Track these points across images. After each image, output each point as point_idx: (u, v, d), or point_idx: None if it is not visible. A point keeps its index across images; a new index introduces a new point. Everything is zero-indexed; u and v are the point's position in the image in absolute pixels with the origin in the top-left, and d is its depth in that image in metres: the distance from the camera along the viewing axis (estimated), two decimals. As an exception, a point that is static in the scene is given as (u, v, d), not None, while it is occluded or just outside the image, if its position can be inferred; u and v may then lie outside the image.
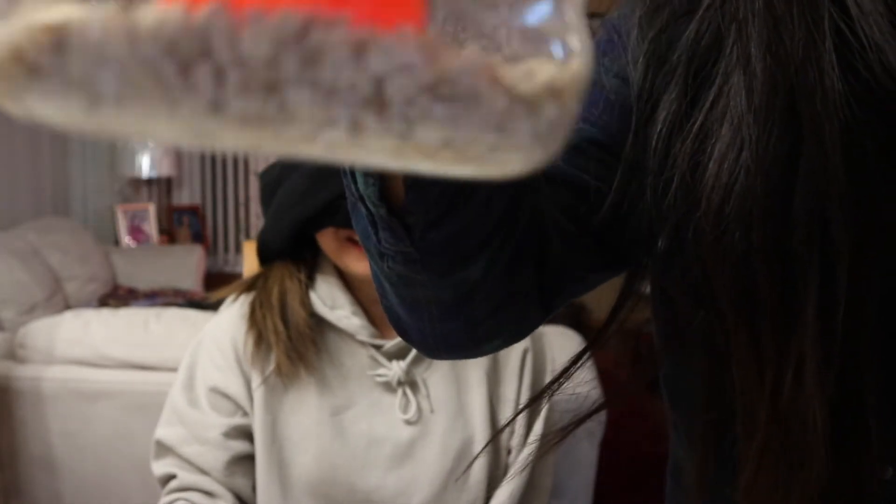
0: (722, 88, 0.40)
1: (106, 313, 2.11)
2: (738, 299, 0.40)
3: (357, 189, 0.39)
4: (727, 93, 0.40)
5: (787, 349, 0.40)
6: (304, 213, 0.96)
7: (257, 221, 5.14)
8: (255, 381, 1.02)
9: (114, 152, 4.94)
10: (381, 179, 0.38)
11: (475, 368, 1.05)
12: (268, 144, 0.19)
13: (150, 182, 5.07)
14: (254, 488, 1.05)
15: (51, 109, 0.18)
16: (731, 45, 0.40)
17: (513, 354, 1.08)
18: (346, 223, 0.95)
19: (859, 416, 0.43)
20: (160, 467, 1.04)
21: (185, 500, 1.00)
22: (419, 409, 1.03)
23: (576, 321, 2.95)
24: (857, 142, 0.37)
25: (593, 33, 0.55)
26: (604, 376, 1.15)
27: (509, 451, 1.08)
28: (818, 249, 0.38)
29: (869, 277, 0.39)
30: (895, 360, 0.44)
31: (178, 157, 5.10)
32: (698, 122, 0.41)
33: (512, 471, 1.06)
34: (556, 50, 0.20)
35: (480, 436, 1.04)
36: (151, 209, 4.94)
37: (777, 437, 0.42)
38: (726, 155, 0.39)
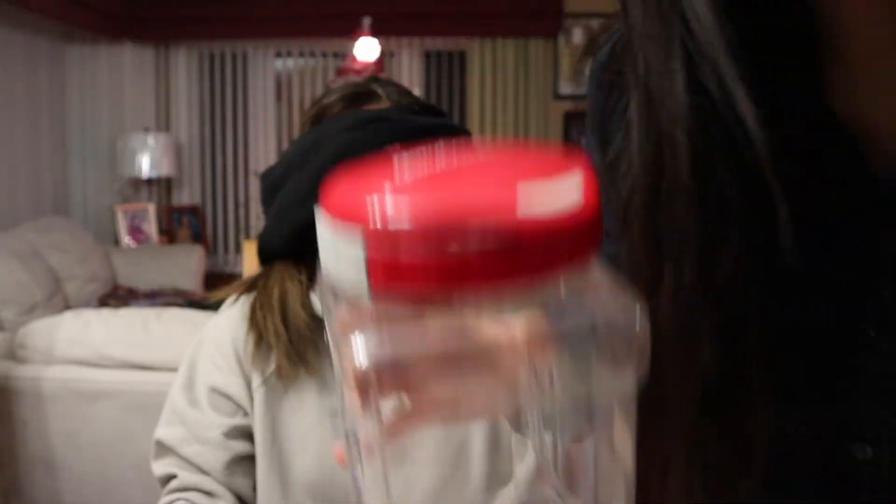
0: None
1: (106, 313, 2.11)
2: None
3: None
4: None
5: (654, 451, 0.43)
6: (306, 216, 0.96)
7: (257, 221, 5.14)
8: (256, 381, 1.02)
9: (114, 152, 4.94)
10: None
11: (475, 368, 1.05)
12: None
13: (150, 182, 5.07)
14: (254, 488, 1.05)
15: None
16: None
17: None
18: None
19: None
20: (160, 467, 1.04)
21: (186, 499, 1.00)
22: (419, 410, 1.03)
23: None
24: (706, 155, 0.41)
25: (593, 31, 0.56)
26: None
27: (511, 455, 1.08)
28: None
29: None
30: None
31: (178, 157, 5.10)
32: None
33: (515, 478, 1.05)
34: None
35: (478, 438, 1.03)
36: (151, 209, 4.94)
37: None
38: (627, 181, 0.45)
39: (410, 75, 5.15)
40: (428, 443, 1.03)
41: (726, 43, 0.40)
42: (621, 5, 0.45)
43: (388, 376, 0.28)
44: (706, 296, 0.43)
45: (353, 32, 4.24)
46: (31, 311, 3.31)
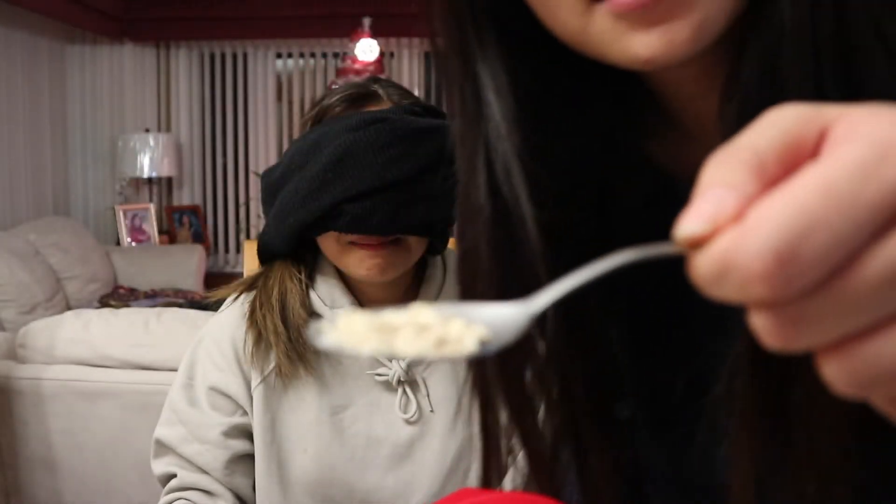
0: None
1: (106, 313, 2.11)
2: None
3: None
4: None
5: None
6: (306, 217, 0.96)
7: (257, 221, 5.14)
8: (255, 380, 1.02)
9: (114, 152, 4.94)
10: None
11: (475, 368, 1.05)
12: None
13: (150, 182, 5.07)
14: (253, 487, 1.05)
15: None
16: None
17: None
18: (346, 228, 0.95)
19: None
20: (160, 466, 1.05)
21: (185, 499, 1.01)
22: (419, 409, 1.03)
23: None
24: (501, 243, 0.48)
25: None
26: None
27: (510, 451, 1.08)
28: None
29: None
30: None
31: (179, 157, 5.10)
32: None
33: (511, 472, 1.06)
34: None
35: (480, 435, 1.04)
36: (151, 209, 4.95)
37: None
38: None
39: (410, 76, 5.15)
40: (432, 443, 1.04)
41: (516, 150, 0.46)
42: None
43: None
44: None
45: (353, 33, 4.24)
46: (32, 310, 3.32)
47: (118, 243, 4.81)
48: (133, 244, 4.81)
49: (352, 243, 0.98)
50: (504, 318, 0.29)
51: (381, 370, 1.03)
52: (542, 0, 0.43)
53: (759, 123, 0.25)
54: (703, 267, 0.24)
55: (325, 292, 1.04)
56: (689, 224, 0.24)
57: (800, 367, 0.41)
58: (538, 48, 0.47)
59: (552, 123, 0.49)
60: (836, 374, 0.24)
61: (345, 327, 0.29)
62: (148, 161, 4.81)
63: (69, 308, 3.58)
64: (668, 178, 0.53)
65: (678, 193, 0.51)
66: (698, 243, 0.24)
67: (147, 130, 4.97)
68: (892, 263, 0.22)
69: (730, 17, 0.41)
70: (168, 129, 5.15)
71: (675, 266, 0.45)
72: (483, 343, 0.29)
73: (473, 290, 0.51)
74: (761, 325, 0.24)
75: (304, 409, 1.02)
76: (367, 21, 4.18)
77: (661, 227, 0.52)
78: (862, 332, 0.23)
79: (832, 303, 0.23)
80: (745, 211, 0.23)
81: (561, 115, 0.49)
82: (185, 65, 5.16)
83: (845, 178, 0.22)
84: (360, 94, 1.03)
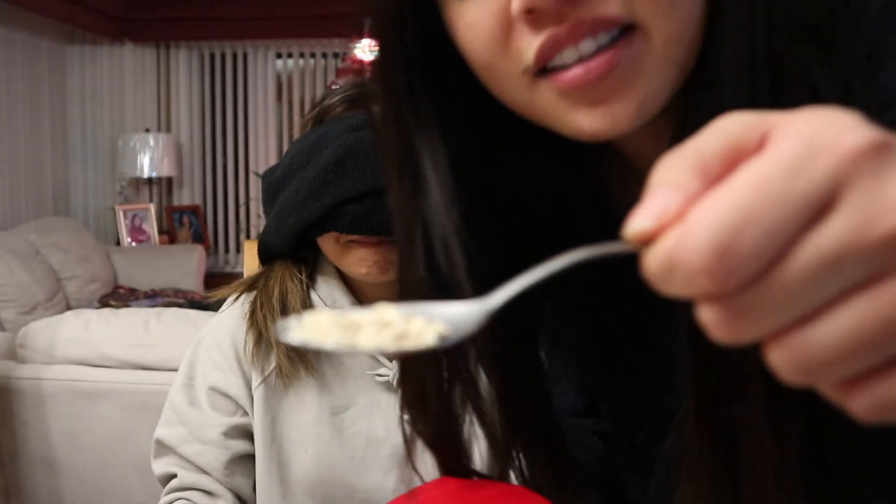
0: None
1: (106, 313, 2.11)
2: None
3: None
4: None
5: None
6: (307, 218, 0.96)
7: (257, 221, 5.14)
8: (256, 380, 1.02)
9: (115, 152, 4.94)
10: None
11: (475, 368, 1.06)
12: None
13: (150, 182, 5.07)
14: (254, 487, 1.05)
15: None
16: None
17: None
18: (347, 229, 0.95)
19: None
20: (160, 466, 1.05)
21: (186, 499, 1.01)
22: (419, 409, 1.04)
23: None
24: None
25: None
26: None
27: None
28: None
29: None
30: None
31: (179, 157, 5.10)
32: None
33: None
34: None
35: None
36: (151, 209, 4.95)
37: None
38: None
39: (411, 76, 5.14)
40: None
41: (455, 228, 0.48)
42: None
43: None
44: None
45: (353, 33, 4.24)
46: (32, 310, 3.32)
47: (118, 243, 4.81)
48: (133, 244, 4.81)
49: (352, 242, 0.98)
50: (462, 314, 0.31)
51: (381, 371, 1.03)
52: (489, 73, 0.44)
53: (706, 130, 0.26)
54: (652, 264, 0.25)
55: (326, 292, 1.04)
56: (636, 221, 0.26)
57: (746, 421, 0.42)
58: (480, 114, 0.48)
59: (494, 194, 0.50)
60: (781, 361, 0.25)
61: (310, 324, 0.30)
62: (148, 161, 4.81)
63: (69, 308, 3.58)
64: (622, 218, 0.55)
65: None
66: (647, 240, 0.26)
67: (147, 130, 4.97)
68: (822, 253, 0.23)
69: (673, 89, 0.42)
70: (168, 129, 5.15)
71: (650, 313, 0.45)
72: (442, 337, 0.30)
73: (412, 363, 0.53)
74: (709, 319, 0.25)
75: (305, 409, 1.02)
76: (367, 21, 4.17)
77: (619, 265, 0.54)
78: (801, 320, 0.24)
79: (771, 293, 0.24)
80: (689, 209, 0.25)
81: (506, 180, 0.51)
82: (185, 65, 5.16)
83: (777, 173, 0.23)
84: (361, 95, 1.03)
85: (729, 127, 0.26)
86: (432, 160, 0.48)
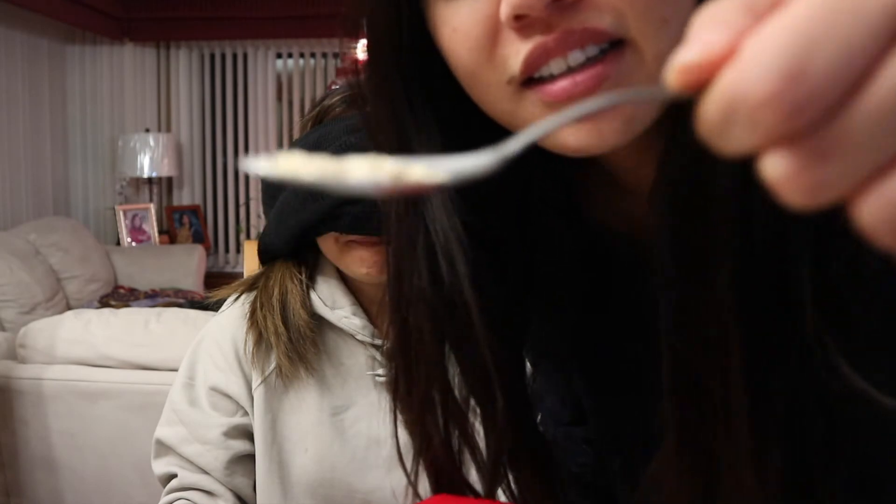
0: None
1: (106, 313, 2.11)
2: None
3: None
4: None
5: None
6: (307, 218, 0.96)
7: (257, 221, 5.14)
8: (256, 380, 1.02)
9: (115, 152, 4.94)
10: None
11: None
12: None
13: (150, 182, 5.07)
14: (254, 488, 1.05)
15: None
16: None
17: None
18: (347, 229, 0.95)
19: None
20: (160, 466, 1.05)
21: (186, 499, 1.01)
22: (419, 409, 1.04)
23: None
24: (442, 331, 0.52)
25: None
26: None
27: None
28: None
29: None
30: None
31: (179, 157, 5.10)
32: None
33: None
34: None
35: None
36: (151, 209, 4.95)
37: None
38: None
39: (411, 76, 5.15)
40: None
41: (458, 236, 0.48)
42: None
43: None
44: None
45: (346, 33, 4.24)
46: (32, 310, 3.32)
47: (118, 243, 4.81)
48: (133, 244, 4.81)
49: (351, 242, 0.98)
50: (471, 163, 0.27)
51: (380, 371, 1.03)
52: (473, 80, 0.43)
53: None
54: (709, 111, 0.21)
55: (326, 293, 1.04)
56: (683, 55, 0.22)
57: (728, 457, 0.42)
58: (474, 122, 0.47)
59: (490, 198, 0.49)
60: (878, 219, 0.20)
61: (285, 161, 0.26)
62: (148, 161, 4.81)
63: (69, 308, 3.58)
64: (603, 232, 0.54)
65: (617, 247, 0.53)
66: (695, 84, 0.22)
67: (147, 130, 4.97)
68: None
69: (662, 106, 0.40)
70: (168, 129, 5.15)
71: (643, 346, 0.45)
72: (447, 181, 0.26)
73: (417, 369, 0.52)
74: (778, 172, 0.21)
75: (305, 409, 1.02)
76: (361, 22, 4.17)
77: (602, 283, 0.55)
78: None
79: (856, 125, 0.19)
80: (743, 42, 0.21)
81: (498, 187, 0.50)
82: (185, 65, 5.16)
83: None
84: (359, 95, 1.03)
85: None
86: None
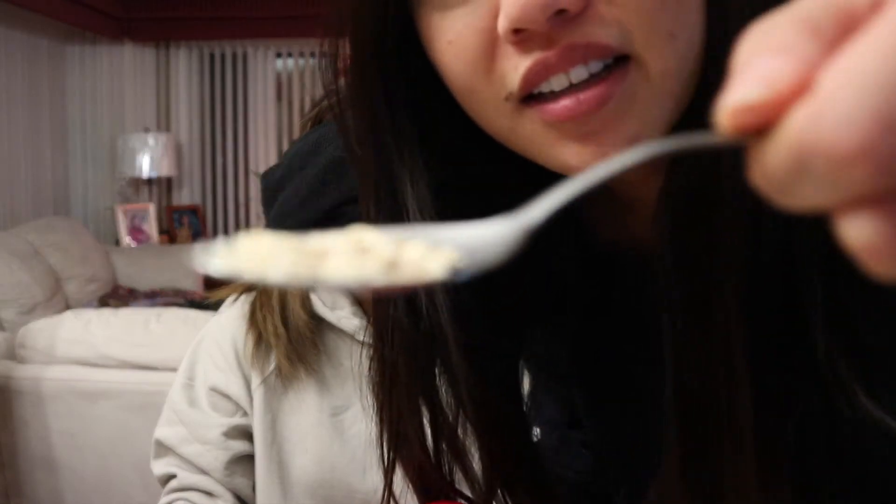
0: None
1: (106, 313, 2.12)
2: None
3: None
4: None
5: None
6: (306, 219, 0.96)
7: (257, 221, 5.14)
8: (255, 381, 1.02)
9: (114, 152, 4.94)
10: None
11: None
12: None
13: (150, 182, 5.07)
14: (254, 488, 1.05)
15: None
16: None
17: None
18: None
19: None
20: (160, 467, 1.05)
21: (185, 499, 1.01)
22: (419, 410, 1.04)
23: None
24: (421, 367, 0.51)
25: None
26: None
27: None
28: None
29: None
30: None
31: (179, 157, 5.10)
32: None
33: None
34: None
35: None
36: (151, 209, 4.94)
37: None
38: None
39: (410, 75, 5.14)
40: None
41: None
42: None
43: None
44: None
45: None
46: (32, 310, 3.31)
47: (118, 243, 4.81)
48: (133, 244, 4.81)
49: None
50: (485, 237, 0.21)
51: (381, 371, 1.03)
52: (469, 96, 0.41)
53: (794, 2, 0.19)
54: (773, 161, 0.17)
55: (326, 293, 1.04)
56: (737, 93, 0.18)
57: (733, 478, 0.41)
58: (460, 142, 0.45)
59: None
60: None
61: (247, 249, 0.21)
62: (148, 161, 4.81)
63: (69, 308, 3.58)
64: (606, 248, 0.53)
65: (619, 262, 0.52)
66: (752, 127, 0.18)
67: (147, 130, 4.97)
68: None
69: (669, 123, 0.38)
70: (168, 129, 5.15)
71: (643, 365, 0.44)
72: (455, 269, 0.21)
73: (390, 401, 0.51)
74: (867, 238, 0.16)
75: (305, 410, 1.02)
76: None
77: (603, 299, 0.54)
78: None
79: None
80: (813, 77, 0.17)
81: (487, 205, 0.49)
82: (185, 65, 5.16)
83: None
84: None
85: None
86: (412, 185, 0.44)
